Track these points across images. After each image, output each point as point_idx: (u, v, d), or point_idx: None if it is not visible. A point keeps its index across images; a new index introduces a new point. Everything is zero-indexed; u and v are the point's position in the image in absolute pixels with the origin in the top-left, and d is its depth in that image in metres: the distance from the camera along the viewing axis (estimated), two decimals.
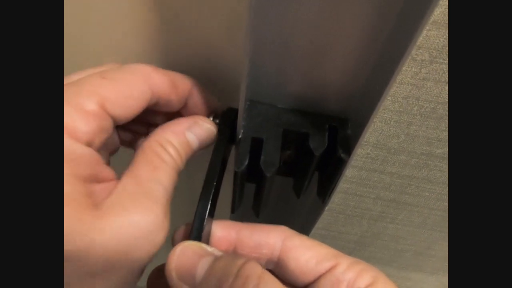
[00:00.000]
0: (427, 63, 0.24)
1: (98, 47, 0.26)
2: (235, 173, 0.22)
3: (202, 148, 0.23)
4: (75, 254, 0.16)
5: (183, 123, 0.22)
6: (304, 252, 0.20)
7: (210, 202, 0.21)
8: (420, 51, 0.23)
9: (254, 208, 0.27)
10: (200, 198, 0.21)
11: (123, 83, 0.20)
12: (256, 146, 0.22)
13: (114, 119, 0.20)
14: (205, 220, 0.20)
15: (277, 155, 0.22)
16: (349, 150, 0.22)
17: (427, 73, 0.25)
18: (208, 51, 0.25)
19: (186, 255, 0.19)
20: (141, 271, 0.19)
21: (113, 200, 0.18)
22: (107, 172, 0.20)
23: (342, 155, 0.22)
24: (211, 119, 0.24)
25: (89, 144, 0.18)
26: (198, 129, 0.22)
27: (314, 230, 0.41)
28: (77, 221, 0.16)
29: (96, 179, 0.19)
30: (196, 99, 0.23)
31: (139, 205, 0.18)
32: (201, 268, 0.18)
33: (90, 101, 0.18)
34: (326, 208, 0.39)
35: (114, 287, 0.18)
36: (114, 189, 0.19)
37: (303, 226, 0.22)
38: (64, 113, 0.17)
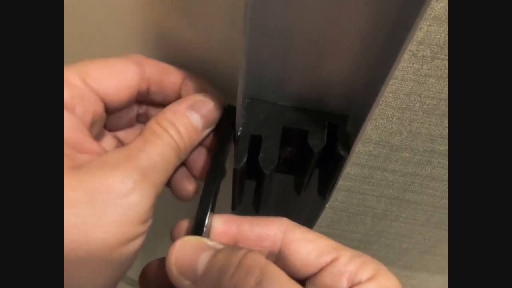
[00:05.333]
0: (428, 59, 0.24)
1: (96, 44, 0.26)
2: (235, 170, 0.22)
3: (207, 126, 0.22)
4: None
5: (184, 101, 0.22)
6: (305, 245, 0.20)
7: (212, 199, 0.21)
8: (422, 47, 0.23)
9: (254, 206, 0.26)
10: (202, 195, 0.21)
11: (109, 64, 0.21)
12: (255, 143, 0.22)
13: (101, 97, 0.21)
14: (207, 217, 0.20)
15: (276, 152, 0.22)
16: (348, 146, 0.22)
17: (428, 69, 0.24)
18: (208, 48, 0.25)
19: (186, 249, 0.18)
20: (122, 245, 0.18)
21: (93, 163, 0.18)
22: (93, 145, 0.20)
23: (341, 152, 0.21)
24: None
25: (68, 109, 0.19)
26: (199, 106, 0.22)
27: (317, 229, 0.40)
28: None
29: (77, 147, 0.19)
30: (191, 88, 0.23)
31: (116, 168, 0.18)
32: (202, 262, 0.18)
33: (72, 75, 0.20)
34: (329, 206, 0.39)
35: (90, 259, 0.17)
36: (99, 155, 0.19)
37: (304, 224, 0.22)
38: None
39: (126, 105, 0.23)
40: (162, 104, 0.24)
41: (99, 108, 0.21)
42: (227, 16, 0.23)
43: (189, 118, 0.21)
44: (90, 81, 0.20)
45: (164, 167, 0.20)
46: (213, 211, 0.21)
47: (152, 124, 0.21)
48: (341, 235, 0.43)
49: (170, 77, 0.23)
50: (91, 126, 0.21)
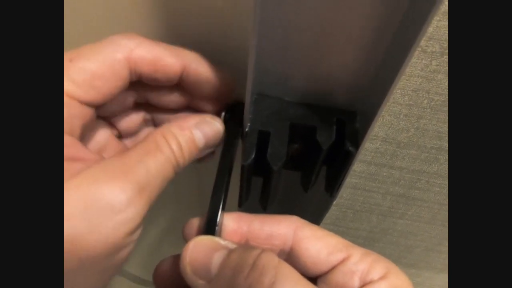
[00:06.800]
0: (437, 55, 0.24)
1: (99, 23, 0.26)
2: (242, 167, 0.22)
3: (209, 148, 0.22)
4: None
5: (191, 120, 0.22)
6: (315, 243, 0.20)
7: (222, 197, 0.21)
8: (431, 42, 0.23)
9: (261, 202, 0.26)
10: (213, 194, 0.21)
11: (92, 63, 0.19)
12: (263, 139, 0.22)
13: (87, 104, 0.20)
14: (219, 215, 0.20)
15: (284, 148, 0.22)
16: (357, 143, 0.22)
17: (437, 65, 0.24)
18: (213, 46, 0.24)
19: (200, 249, 0.18)
20: (110, 255, 0.18)
21: (91, 171, 0.18)
22: (86, 153, 0.19)
23: (350, 149, 0.21)
24: (223, 113, 0.24)
25: None
26: (206, 127, 0.22)
27: (322, 226, 0.40)
28: None
29: (69, 157, 0.18)
30: (195, 76, 0.22)
31: (114, 180, 0.18)
32: (216, 261, 0.18)
33: None
34: (334, 203, 0.38)
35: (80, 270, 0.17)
36: (97, 162, 0.18)
37: (311, 221, 0.22)
38: None
39: (118, 92, 0.21)
40: (163, 89, 0.23)
41: (86, 114, 0.20)
42: (229, 11, 0.23)
43: (193, 135, 0.21)
44: (73, 91, 0.19)
45: (160, 183, 0.19)
46: (223, 209, 0.21)
47: (156, 135, 0.20)
48: (345, 233, 0.43)
49: (165, 58, 0.21)
50: (82, 129, 0.20)
